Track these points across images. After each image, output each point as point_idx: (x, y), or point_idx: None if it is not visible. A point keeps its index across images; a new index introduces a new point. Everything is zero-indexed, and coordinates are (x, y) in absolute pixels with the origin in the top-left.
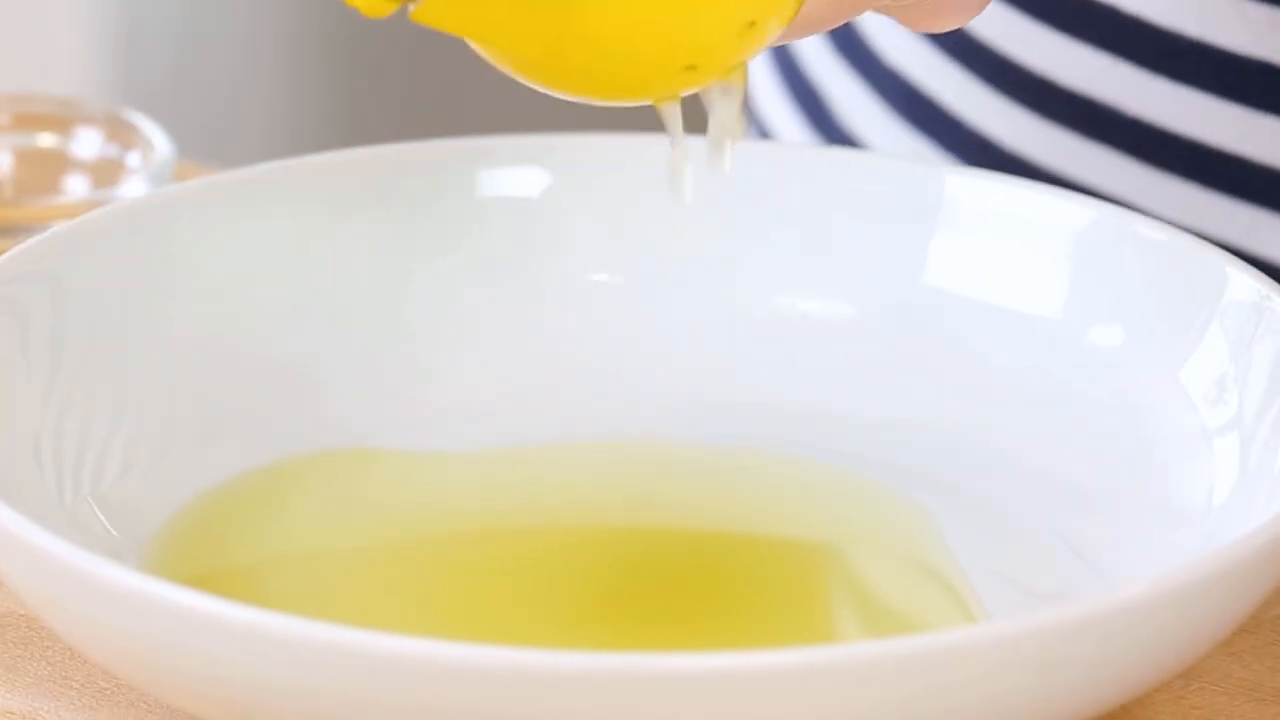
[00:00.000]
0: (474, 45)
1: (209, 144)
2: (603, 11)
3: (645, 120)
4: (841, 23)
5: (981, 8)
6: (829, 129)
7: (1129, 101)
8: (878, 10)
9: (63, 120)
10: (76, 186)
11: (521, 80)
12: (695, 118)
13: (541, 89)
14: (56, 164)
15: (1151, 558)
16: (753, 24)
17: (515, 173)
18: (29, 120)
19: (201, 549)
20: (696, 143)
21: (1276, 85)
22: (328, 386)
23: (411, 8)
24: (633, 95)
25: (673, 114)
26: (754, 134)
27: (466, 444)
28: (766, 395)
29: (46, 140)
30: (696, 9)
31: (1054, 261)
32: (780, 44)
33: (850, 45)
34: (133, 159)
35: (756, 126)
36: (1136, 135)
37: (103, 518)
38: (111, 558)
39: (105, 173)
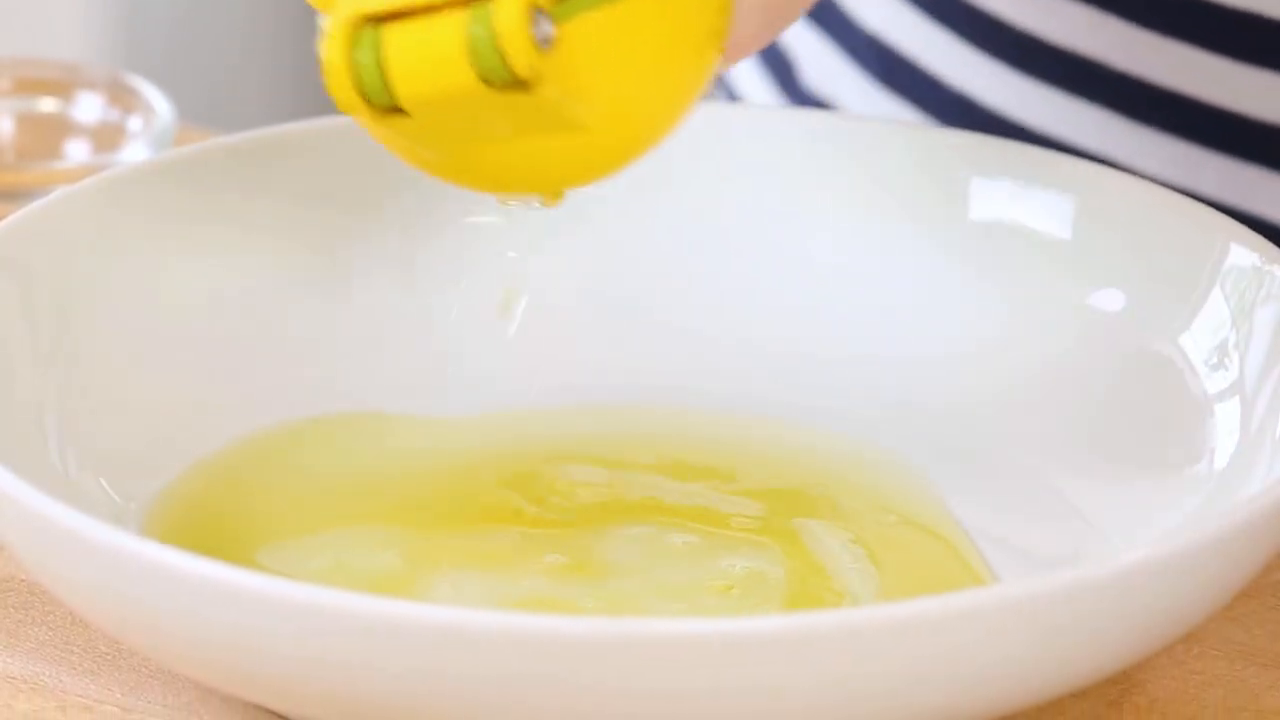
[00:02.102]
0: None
1: (210, 109)
2: (527, 150)
3: None
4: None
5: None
6: (798, 94)
7: (1116, 57)
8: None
9: (64, 85)
10: (78, 151)
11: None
12: None
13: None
14: (58, 129)
15: (1152, 522)
16: (649, 150)
17: None
18: (30, 85)
19: (203, 513)
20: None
21: (1266, 38)
22: (330, 351)
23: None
24: (510, 195)
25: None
26: (722, 97)
27: (468, 409)
28: (765, 360)
29: (48, 105)
30: (615, 150)
31: (1055, 225)
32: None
33: (822, 9)
34: (134, 123)
35: (724, 89)
36: (1124, 91)
37: (104, 483)
38: (113, 523)
39: (106, 137)
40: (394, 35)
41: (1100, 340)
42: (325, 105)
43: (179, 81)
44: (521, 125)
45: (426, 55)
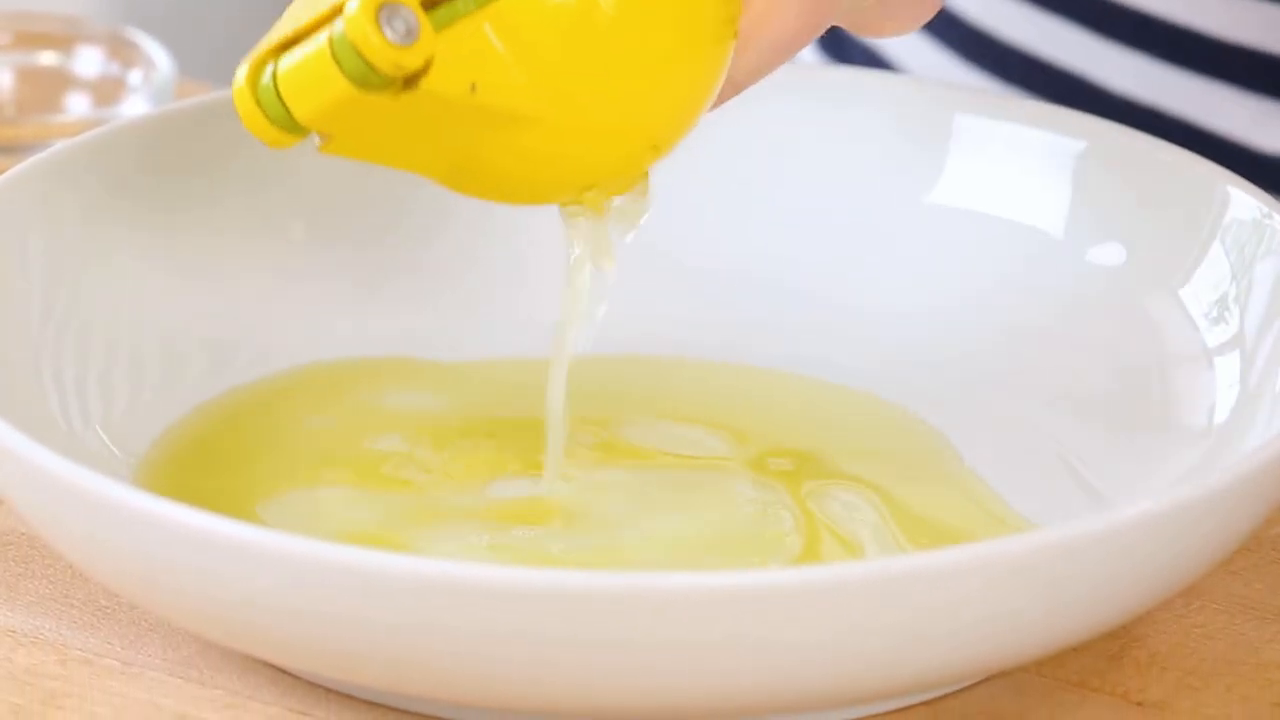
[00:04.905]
0: None
1: (210, 62)
2: (500, 150)
3: None
4: (810, 41)
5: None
6: (850, 56)
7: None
8: (838, 22)
9: (64, 39)
10: (78, 105)
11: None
12: None
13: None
14: (58, 82)
15: (1152, 476)
16: (655, 147)
17: None
18: (31, 39)
19: (200, 463)
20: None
21: None
22: (333, 301)
23: (317, 143)
24: (536, 203)
25: (575, 217)
26: None
27: (474, 355)
28: (778, 315)
29: (48, 59)
30: (595, 146)
31: (1056, 180)
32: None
33: None
34: (134, 77)
35: None
36: (1228, 59)
37: (103, 435)
38: (112, 475)
39: (106, 91)
40: (283, 61)
41: (1101, 294)
42: None
43: (179, 35)
44: (464, 126)
45: (305, 72)
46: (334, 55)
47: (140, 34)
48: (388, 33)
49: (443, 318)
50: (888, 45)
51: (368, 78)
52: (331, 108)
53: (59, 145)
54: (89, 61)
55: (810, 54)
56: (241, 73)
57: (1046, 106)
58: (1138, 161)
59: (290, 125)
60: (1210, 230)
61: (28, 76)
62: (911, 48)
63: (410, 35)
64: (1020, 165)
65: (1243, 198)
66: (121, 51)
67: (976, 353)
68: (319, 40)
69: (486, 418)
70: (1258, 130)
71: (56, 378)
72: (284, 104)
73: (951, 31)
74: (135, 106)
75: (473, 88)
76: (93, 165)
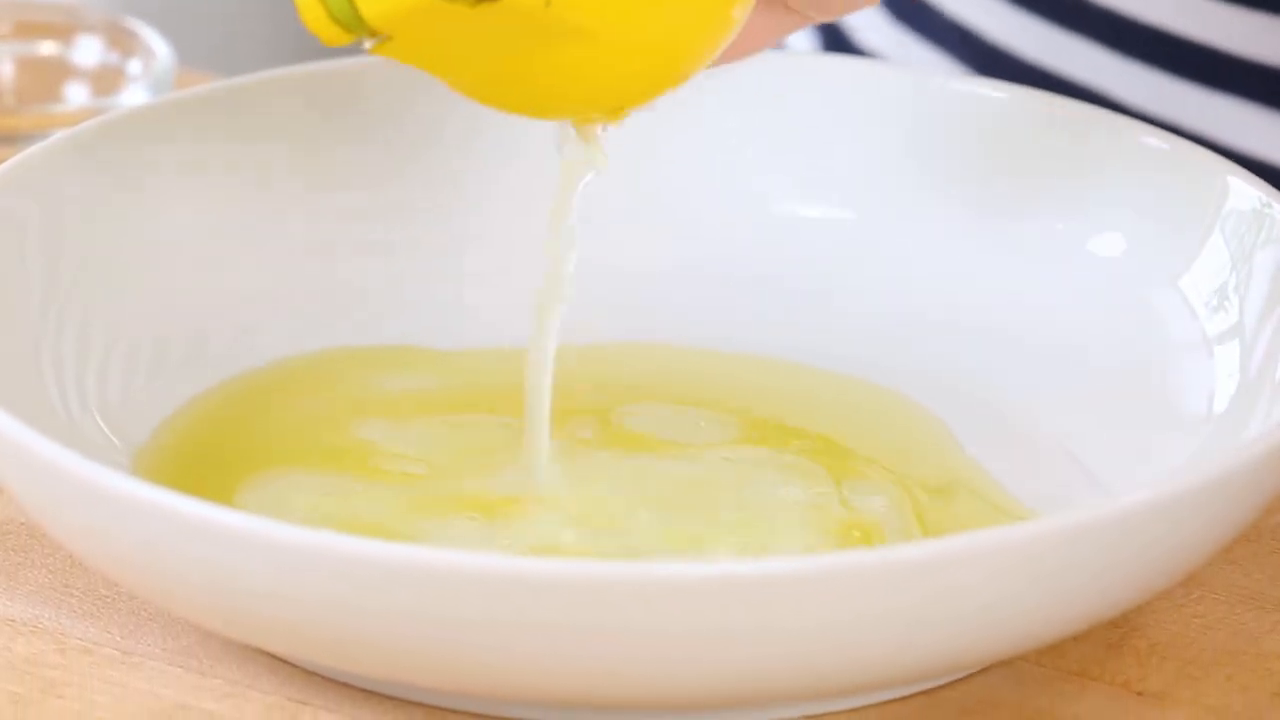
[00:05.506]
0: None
1: (210, 53)
2: (544, 64)
3: None
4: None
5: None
6: (844, 48)
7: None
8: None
9: (64, 28)
10: (77, 94)
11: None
12: None
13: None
14: (57, 72)
15: (1152, 465)
16: (684, 73)
17: None
18: (30, 28)
19: (200, 453)
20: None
21: None
22: (331, 289)
23: (368, 44)
24: (561, 117)
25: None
26: None
27: (471, 343)
28: (774, 304)
29: (47, 48)
30: (636, 66)
31: (1055, 170)
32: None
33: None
34: (133, 67)
35: None
36: (1248, 77)
37: (102, 424)
38: (110, 464)
39: (106, 80)
40: None
41: (1101, 283)
42: (327, 49)
43: (178, 25)
44: (522, 38)
45: None
46: None
47: (140, 24)
48: None
49: (439, 306)
50: (897, 58)
51: None
52: (406, 12)
53: (58, 135)
54: (88, 51)
55: None
56: None
57: (1043, 96)
58: (1137, 151)
59: (353, 24)
60: (1210, 219)
61: (27, 66)
62: (927, 63)
63: None
64: (1019, 155)
65: (1242, 187)
66: (121, 41)
67: (977, 341)
68: None
69: (486, 407)
70: (1276, 147)
71: (55, 366)
72: (353, 2)
73: (968, 48)
74: (134, 96)
75: (548, 1)
76: (92, 155)
